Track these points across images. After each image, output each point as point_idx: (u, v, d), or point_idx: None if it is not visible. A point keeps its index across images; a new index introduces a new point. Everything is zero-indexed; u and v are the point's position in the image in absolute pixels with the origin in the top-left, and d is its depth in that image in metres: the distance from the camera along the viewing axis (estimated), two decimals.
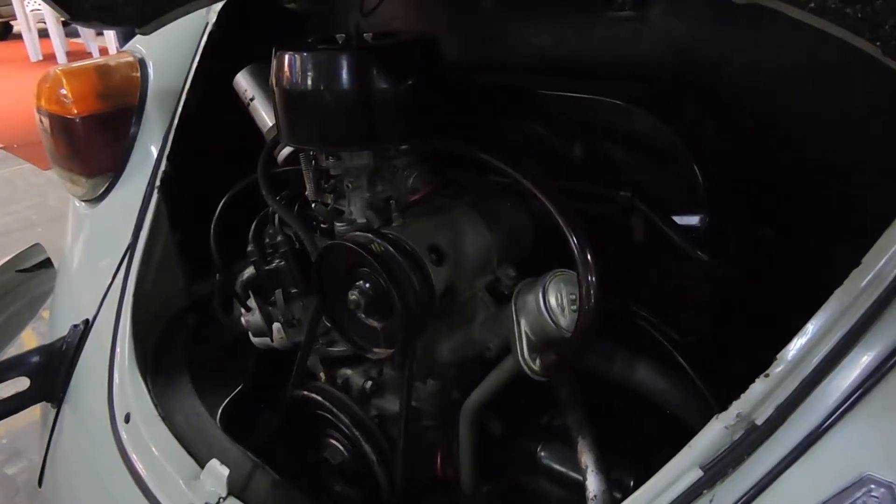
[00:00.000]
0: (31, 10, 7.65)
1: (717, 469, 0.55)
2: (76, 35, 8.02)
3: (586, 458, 0.74)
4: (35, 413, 1.23)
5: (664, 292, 0.85)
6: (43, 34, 7.79)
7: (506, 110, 0.92)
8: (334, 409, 0.91)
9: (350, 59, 0.76)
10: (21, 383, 1.12)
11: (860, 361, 0.53)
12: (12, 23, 9.16)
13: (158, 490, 0.83)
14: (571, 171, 0.86)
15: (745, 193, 0.80)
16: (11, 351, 1.29)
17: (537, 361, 0.72)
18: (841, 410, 0.52)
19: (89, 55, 7.47)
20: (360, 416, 0.91)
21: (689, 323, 0.82)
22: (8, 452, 1.74)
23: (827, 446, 0.52)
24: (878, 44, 0.49)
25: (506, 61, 1.00)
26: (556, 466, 0.83)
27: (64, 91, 1.24)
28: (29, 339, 2.08)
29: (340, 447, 0.92)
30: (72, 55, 7.63)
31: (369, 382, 0.94)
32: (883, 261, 0.53)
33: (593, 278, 0.66)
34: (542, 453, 0.85)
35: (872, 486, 0.50)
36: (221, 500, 0.78)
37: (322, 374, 0.99)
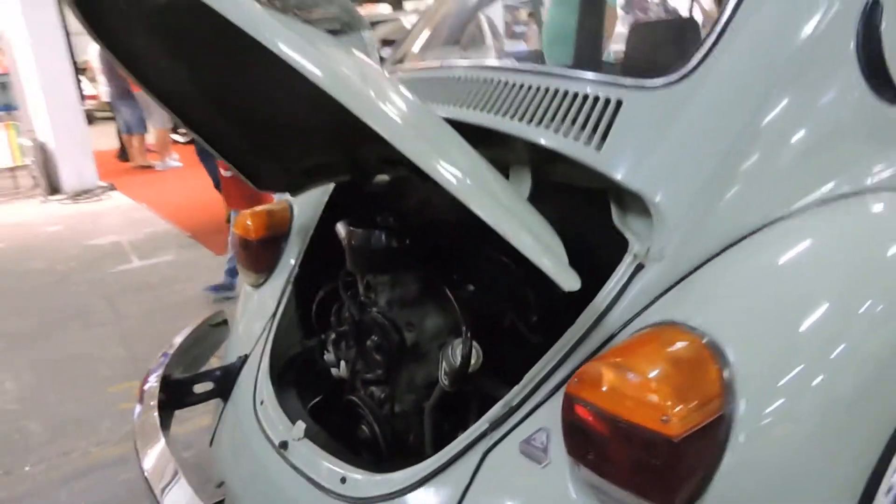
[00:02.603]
0: None
1: (496, 423, 1.28)
2: None
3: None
4: (202, 421, 2.11)
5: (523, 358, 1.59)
6: None
7: (460, 256, 1.74)
8: (364, 408, 1.71)
9: (377, 233, 1.61)
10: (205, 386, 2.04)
11: (558, 374, 1.25)
12: None
13: (272, 432, 1.66)
14: (487, 289, 1.65)
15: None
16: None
17: (446, 381, 1.49)
18: (542, 399, 1.25)
19: None
20: (377, 412, 1.70)
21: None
22: (184, 444, 2.66)
23: (535, 417, 1.25)
24: None
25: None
26: None
27: (249, 224, 2.21)
28: None
29: (366, 429, 1.71)
30: None
31: (383, 394, 1.73)
32: (579, 325, 1.26)
33: (469, 342, 1.44)
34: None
35: (542, 430, 1.23)
36: (300, 438, 1.60)
37: (360, 390, 1.80)
